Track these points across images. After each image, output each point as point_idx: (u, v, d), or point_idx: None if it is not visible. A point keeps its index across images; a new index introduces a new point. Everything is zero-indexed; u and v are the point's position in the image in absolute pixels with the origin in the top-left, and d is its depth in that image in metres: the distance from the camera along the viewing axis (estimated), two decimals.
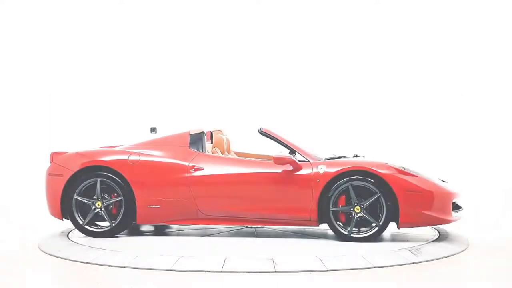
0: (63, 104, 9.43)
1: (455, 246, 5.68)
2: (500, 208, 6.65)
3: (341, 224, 5.82)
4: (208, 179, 6.16)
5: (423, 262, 5.05)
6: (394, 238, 6.03)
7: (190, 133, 6.50)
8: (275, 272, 4.68)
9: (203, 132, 6.48)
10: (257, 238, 6.07)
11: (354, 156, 6.63)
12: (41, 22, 8.49)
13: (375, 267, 4.83)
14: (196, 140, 6.45)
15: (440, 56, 8.70)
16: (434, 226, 6.51)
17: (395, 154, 8.45)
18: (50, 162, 6.57)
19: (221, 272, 4.71)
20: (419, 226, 5.82)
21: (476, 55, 7.54)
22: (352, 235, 5.76)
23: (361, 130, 9.50)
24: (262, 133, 6.30)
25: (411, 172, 5.79)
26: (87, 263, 5.10)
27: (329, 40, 9.66)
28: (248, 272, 4.69)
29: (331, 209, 5.79)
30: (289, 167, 5.96)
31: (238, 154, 7.07)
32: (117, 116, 9.71)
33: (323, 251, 5.30)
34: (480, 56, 7.39)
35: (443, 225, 6.23)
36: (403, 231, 6.28)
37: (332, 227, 5.83)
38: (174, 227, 7.07)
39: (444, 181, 6.08)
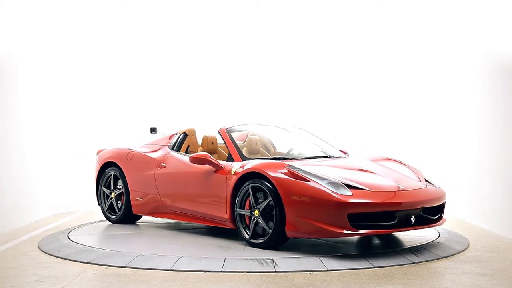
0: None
1: (455, 246, 5.68)
2: (500, 207, 6.66)
3: (245, 227, 5.58)
4: (164, 176, 6.62)
5: (423, 262, 5.06)
6: (394, 238, 6.04)
7: (176, 134, 6.96)
8: (275, 272, 4.69)
9: (185, 133, 6.87)
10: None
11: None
12: (42, 22, 8.50)
13: (375, 267, 4.84)
14: (177, 140, 6.87)
15: (440, 55, 8.72)
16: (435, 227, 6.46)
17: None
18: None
19: (221, 272, 4.71)
20: (310, 237, 5.24)
21: (475, 55, 7.55)
22: (251, 240, 5.49)
23: (367, 129, 9.50)
24: (219, 133, 6.50)
25: (305, 176, 5.18)
26: (87, 263, 5.11)
27: (329, 40, 9.66)
28: (248, 272, 4.70)
29: (237, 211, 5.62)
30: (210, 167, 6.01)
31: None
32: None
33: (323, 251, 5.30)
34: (480, 56, 7.39)
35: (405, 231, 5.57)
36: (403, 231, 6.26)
37: (238, 229, 5.67)
38: (174, 226, 7.10)
39: (363, 188, 5.21)
